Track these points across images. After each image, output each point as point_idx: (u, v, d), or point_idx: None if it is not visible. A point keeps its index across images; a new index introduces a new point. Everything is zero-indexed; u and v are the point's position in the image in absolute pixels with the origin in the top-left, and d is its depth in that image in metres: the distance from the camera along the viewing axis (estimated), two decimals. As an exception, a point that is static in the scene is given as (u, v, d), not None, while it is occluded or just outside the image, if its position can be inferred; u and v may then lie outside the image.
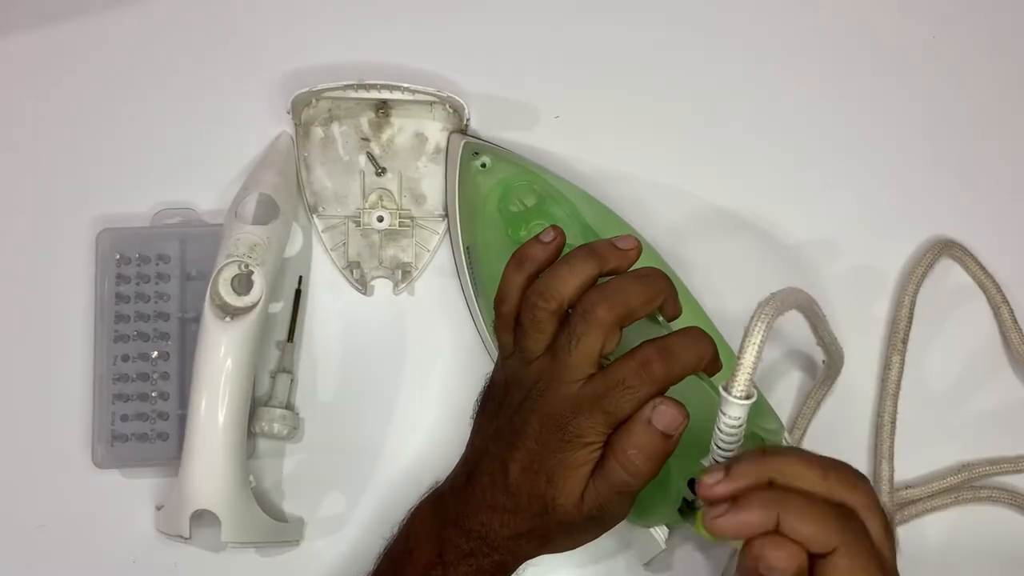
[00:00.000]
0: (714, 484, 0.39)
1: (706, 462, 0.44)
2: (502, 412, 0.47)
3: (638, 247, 0.47)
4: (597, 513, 0.46)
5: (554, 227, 0.48)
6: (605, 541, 0.51)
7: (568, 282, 0.45)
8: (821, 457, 0.39)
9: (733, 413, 0.41)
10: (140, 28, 0.62)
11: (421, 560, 0.46)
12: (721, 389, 0.41)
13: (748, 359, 0.40)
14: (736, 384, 0.40)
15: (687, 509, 0.49)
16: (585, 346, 0.44)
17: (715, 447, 0.42)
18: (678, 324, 0.53)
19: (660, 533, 0.53)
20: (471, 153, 0.58)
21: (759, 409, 0.52)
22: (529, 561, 0.48)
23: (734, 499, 0.38)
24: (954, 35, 0.63)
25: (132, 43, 0.62)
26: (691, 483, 0.49)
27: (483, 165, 0.57)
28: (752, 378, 0.40)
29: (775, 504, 0.37)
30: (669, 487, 0.49)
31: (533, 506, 0.46)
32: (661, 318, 0.49)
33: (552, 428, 0.45)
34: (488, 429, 0.47)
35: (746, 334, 0.40)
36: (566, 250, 0.47)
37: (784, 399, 0.59)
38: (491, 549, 0.46)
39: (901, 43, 0.63)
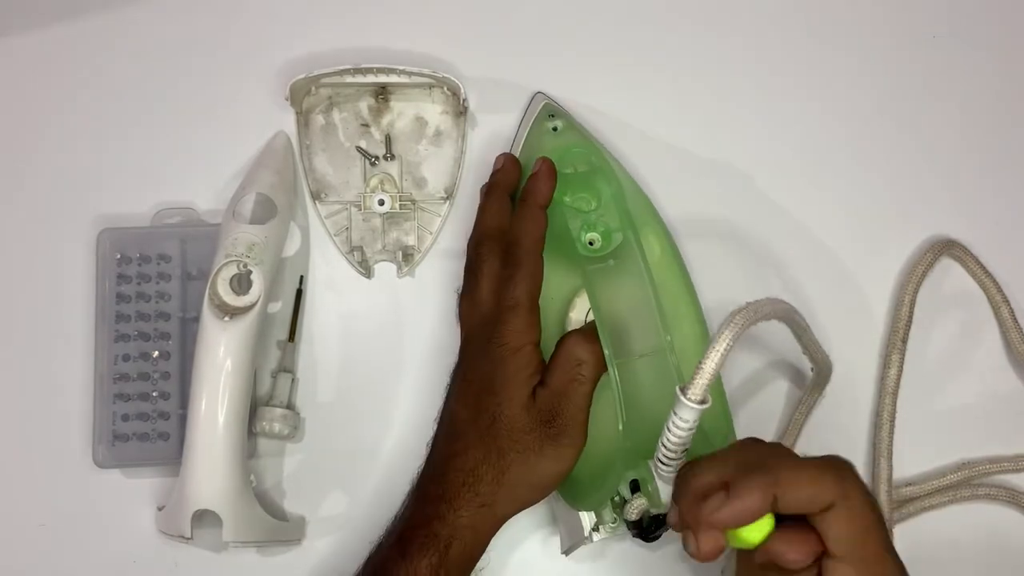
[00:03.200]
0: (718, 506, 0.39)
1: (651, 463, 0.44)
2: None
3: (503, 159, 0.56)
4: (549, 416, 0.49)
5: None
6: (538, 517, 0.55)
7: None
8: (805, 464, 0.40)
9: (685, 416, 0.41)
10: (138, 29, 0.62)
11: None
12: (677, 390, 0.41)
13: (709, 365, 0.40)
14: (693, 388, 0.40)
15: (621, 505, 0.51)
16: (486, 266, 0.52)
17: (662, 446, 0.43)
18: (679, 327, 0.53)
19: (588, 522, 0.53)
20: (547, 115, 0.58)
21: (725, 439, 0.52)
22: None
23: (726, 487, 0.38)
24: (954, 35, 0.63)
25: (131, 43, 0.62)
26: (634, 483, 0.49)
27: (555, 128, 0.58)
28: (710, 384, 0.40)
29: (769, 485, 0.38)
30: (609, 474, 0.49)
31: (480, 422, 0.49)
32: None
33: (480, 343, 0.51)
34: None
35: (712, 340, 0.40)
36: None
37: (774, 407, 0.59)
38: (447, 504, 0.48)
39: (901, 43, 0.63)
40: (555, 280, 0.54)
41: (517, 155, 0.58)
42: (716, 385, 0.53)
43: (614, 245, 0.52)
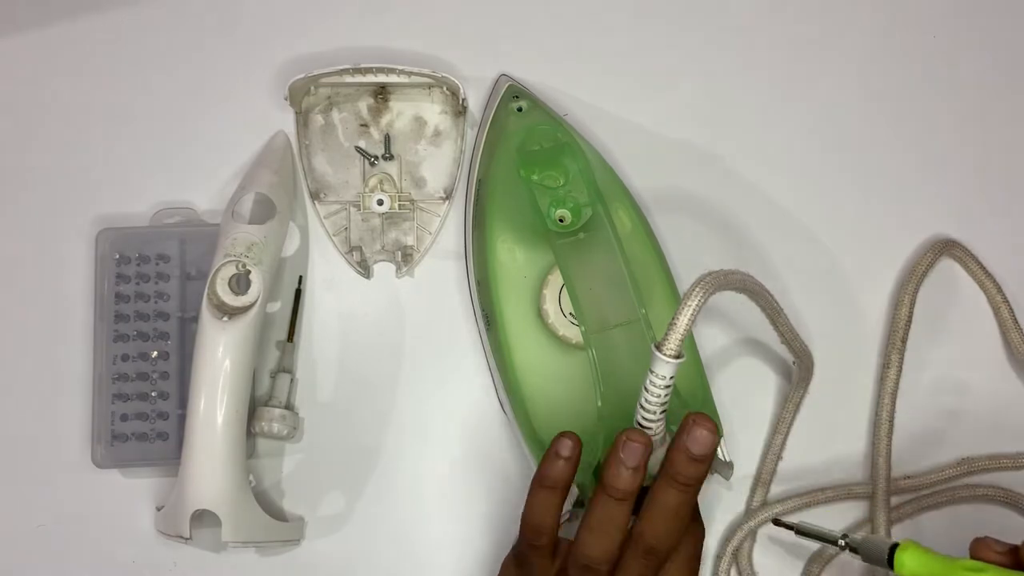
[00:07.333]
0: None
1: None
2: None
3: (573, 448, 0.46)
4: None
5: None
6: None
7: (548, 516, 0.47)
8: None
9: (661, 371, 0.42)
10: (138, 28, 0.62)
11: None
12: (652, 347, 0.42)
13: (682, 320, 0.41)
14: (668, 343, 0.41)
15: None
16: None
17: (640, 408, 0.43)
18: (651, 299, 0.54)
19: (570, 496, 0.53)
20: (512, 96, 0.59)
21: (702, 403, 0.53)
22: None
23: None
24: (954, 35, 0.63)
25: (130, 43, 0.62)
26: None
27: (519, 109, 0.58)
28: (683, 339, 0.41)
29: None
30: (595, 449, 0.49)
31: None
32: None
33: None
34: None
35: (684, 296, 0.41)
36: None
37: (764, 406, 0.59)
38: None
39: (901, 42, 0.63)
40: (528, 258, 0.55)
41: (484, 136, 0.58)
42: (690, 349, 0.53)
43: (584, 220, 0.53)
